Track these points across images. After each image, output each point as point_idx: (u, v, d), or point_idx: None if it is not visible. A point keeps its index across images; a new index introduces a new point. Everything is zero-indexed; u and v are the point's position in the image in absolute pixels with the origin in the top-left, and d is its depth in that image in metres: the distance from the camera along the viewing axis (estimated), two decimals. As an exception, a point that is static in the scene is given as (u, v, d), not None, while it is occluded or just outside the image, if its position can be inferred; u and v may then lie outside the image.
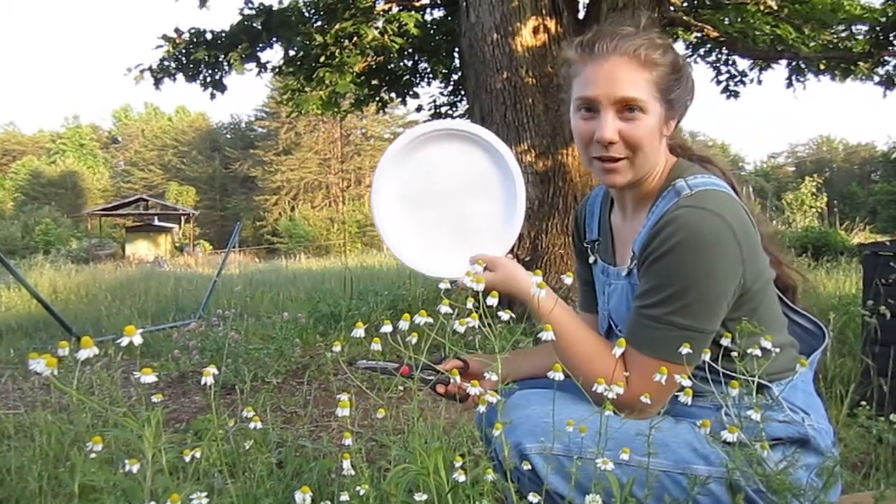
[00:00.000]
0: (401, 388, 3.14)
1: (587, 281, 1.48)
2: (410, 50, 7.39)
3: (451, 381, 1.20)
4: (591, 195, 1.50)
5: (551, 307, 1.21)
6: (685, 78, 1.26)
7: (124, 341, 0.82)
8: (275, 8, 6.68)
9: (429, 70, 7.99)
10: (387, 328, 1.11)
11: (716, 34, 6.56)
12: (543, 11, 5.01)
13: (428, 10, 7.49)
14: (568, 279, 1.13)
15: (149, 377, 0.85)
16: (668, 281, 1.14)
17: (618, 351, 1.09)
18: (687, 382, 1.07)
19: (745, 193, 1.28)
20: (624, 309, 1.29)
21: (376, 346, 1.11)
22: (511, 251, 1.35)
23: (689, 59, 7.40)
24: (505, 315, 1.06)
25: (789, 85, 7.54)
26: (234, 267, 15.32)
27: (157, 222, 35.35)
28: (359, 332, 1.11)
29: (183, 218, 39.19)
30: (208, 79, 6.95)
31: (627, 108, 1.19)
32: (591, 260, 1.44)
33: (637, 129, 1.20)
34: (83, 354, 0.77)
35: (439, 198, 1.36)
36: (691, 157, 1.33)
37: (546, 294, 1.19)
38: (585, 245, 1.47)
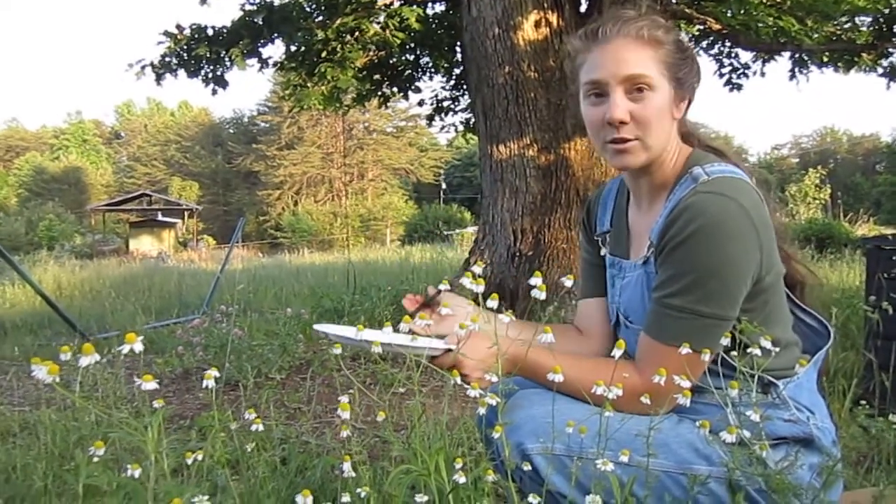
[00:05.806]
0: (402, 389, 3.15)
1: (595, 264, 1.46)
2: (412, 44, 7.37)
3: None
4: (605, 188, 1.49)
5: (524, 353, 1.18)
6: (691, 59, 1.26)
7: (125, 349, 0.82)
8: (276, 3, 6.67)
9: (430, 64, 7.98)
10: (387, 330, 1.11)
11: (718, 27, 6.52)
12: (545, 5, 5.00)
13: (429, 4, 7.48)
14: (568, 282, 1.11)
15: (149, 384, 0.85)
16: (689, 268, 1.12)
17: (617, 353, 1.07)
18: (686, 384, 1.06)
19: (754, 182, 1.25)
20: (637, 299, 1.28)
21: (377, 349, 1.11)
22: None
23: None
24: (505, 318, 1.06)
25: (792, 77, 7.51)
26: (237, 262, 15.32)
27: (160, 217, 35.37)
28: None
29: (186, 213, 39.27)
30: (210, 74, 6.96)
31: (636, 86, 1.18)
32: (603, 253, 1.43)
33: (646, 107, 1.19)
34: (84, 362, 0.77)
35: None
36: (705, 147, 1.31)
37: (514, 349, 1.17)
38: (596, 238, 1.46)
